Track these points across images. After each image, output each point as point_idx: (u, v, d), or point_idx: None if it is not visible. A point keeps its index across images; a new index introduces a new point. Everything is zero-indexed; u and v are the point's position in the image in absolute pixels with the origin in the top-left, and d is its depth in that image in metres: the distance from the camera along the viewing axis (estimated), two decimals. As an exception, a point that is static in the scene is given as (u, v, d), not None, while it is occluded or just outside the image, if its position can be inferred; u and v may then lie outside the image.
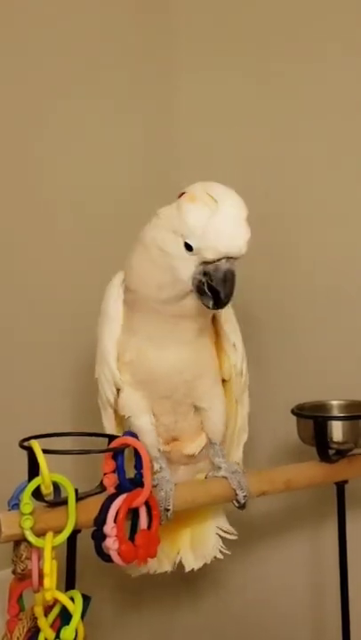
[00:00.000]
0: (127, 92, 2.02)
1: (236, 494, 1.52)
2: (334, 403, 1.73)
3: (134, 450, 1.35)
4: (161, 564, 1.64)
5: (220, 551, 1.65)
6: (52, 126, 1.87)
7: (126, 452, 1.36)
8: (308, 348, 1.90)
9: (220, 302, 1.35)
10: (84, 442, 1.43)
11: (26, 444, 1.31)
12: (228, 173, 2.03)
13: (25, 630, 1.29)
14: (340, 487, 1.69)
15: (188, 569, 1.64)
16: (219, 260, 1.33)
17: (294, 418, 1.68)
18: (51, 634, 1.27)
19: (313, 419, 1.64)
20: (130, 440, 1.36)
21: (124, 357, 1.50)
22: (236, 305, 1.51)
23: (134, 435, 1.39)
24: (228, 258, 1.33)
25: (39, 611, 1.27)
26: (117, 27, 2.00)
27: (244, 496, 1.52)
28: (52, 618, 1.29)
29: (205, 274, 1.34)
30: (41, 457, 1.27)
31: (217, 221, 1.31)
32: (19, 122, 1.81)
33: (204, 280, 1.35)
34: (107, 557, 1.31)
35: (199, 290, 1.36)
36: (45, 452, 1.27)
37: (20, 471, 1.30)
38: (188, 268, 1.36)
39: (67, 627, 1.26)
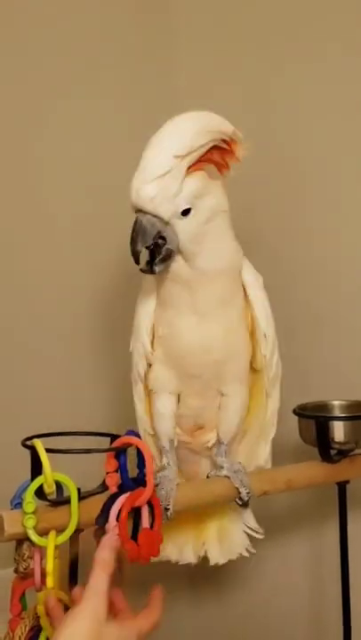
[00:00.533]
0: (127, 92, 2.02)
1: (240, 492, 1.52)
2: (336, 403, 1.73)
3: (137, 448, 1.35)
4: (184, 554, 1.64)
5: (247, 550, 1.66)
6: (51, 126, 1.86)
7: (130, 450, 1.35)
8: (309, 347, 1.90)
9: (132, 253, 1.37)
10: (86, 441, 1.43)
11: (28, 442, 1.30)
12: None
13: (27, 629, 1.29)
14: (342, 487, 1.68)
15: (212, 562, 1.64)
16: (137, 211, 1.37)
17: (296, 418, 1.68)
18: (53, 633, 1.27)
19: (315, 419, 1.64)
20: (132, 439, 1.35)
21: (157, 331, 1.50)
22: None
23: (137, 434, 1.39)
24: (140, 211, 1.36)
25: (41, 610, 1.27)
26: (117, 27, 2.00)
27: (247, 493, 1.52)
28: (55, 617, 1.28)
29: None
30: (44, 456, 1.26)
31: (135, 174, 1.35)
32: (19, 122, 1.81)
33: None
34: None
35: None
36: (48, 451, 1.27)
37: (22, 470, 1.30)
38: None
39: None
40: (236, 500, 1.53)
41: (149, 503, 1.34)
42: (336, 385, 1.79)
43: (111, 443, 1.38)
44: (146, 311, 1.51)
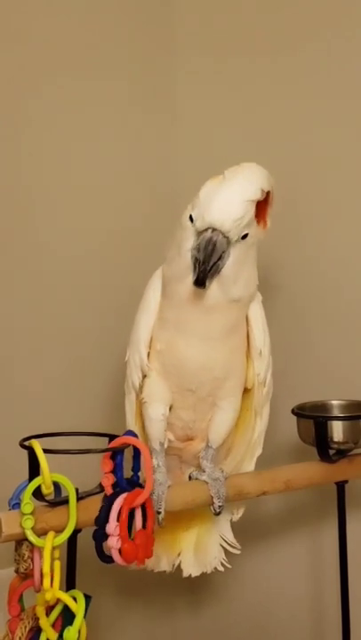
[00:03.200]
0: (128, 100, 2.02)
1: (213, 502, 1.52)
2: (335, 403, 1.74)
3: (133, 449, 1.35)
4: (159, 562, 1.63)
5: (222, 564, 1.65)
6: (53, 133, 1.86)
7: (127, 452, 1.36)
8: (308, 347, 1.90)
9: (196, 274, 1.38)
10: (84, 441, 1.43)
11: (26, 443, 1.30)
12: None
13: (27, 630, 1.29)
14: (341, 487, 1.69)
15: (185, 574, 1.64)
16: (206, 229, 1.38)
17: (295, 418, 1.68)
18: (53, 634, 1.27)
19: (313, 419, 1.64)
20: (131, 439, 1.36)
21: (155, 346, 1.52)
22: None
23: (135, 434, 1.39)
24: (214, 230, 1.37)
25: (41, 610, 1.27)
26: (118, 34, 2.00)
27: (220, 506, 1.52)
28: (54, 617, 1.28)
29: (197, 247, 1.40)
30: (42, 456, 1.27)
31: (214, 194, 1.39)
32: (19, 131, 1.80)
33: (195, 254, 1.40)
34: (107, 558, 1.30)
35: (194, 265, 1.40)
36: (46, 451, 1.27)
37: (20, 471, 1.30)
38: (189, 240, 1.41)
39: (70, 627, 1.26)
40: (210, 507, 1.53)
41: (142, 504, 1.35)
42: (335, 385, 1.79)
43: (109, 443, 1.38)
44: (146, 323, 1.52)
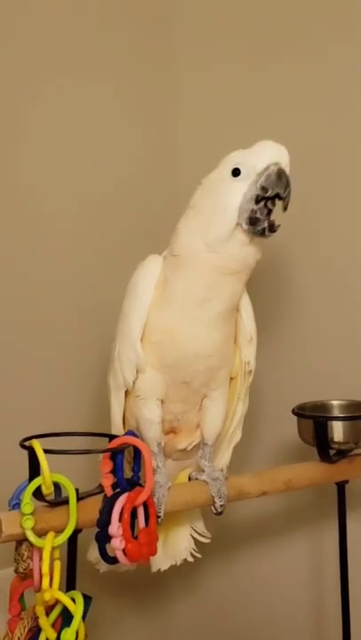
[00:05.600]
0: (129, 98, 2.02)
1: (214, 502, 1.51)
2: (335, 403, 1.73)
3: (133, 449, 1.35)
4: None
5: (192, 554, 1.65)
6: (52, 131, 1.86)
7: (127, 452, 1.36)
8: (308, 347, 1.90)
9: (264, 220, 1.38)
10: (84, 441, 1.43)
11: (26, 443, 1.30)
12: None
13: (26, 630, 1.29)
14: (341, 487, 1.69)
15: (154, 569, 1.63)
16: (267, 167, 1.38)
17: (295, 418, 1.68)
18: (52, 633, 1.27)
19: (314, 419, 1.64)
20: (131, 439, 1.35)
21: (151, 336, 1.47)
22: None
23: (135, 434, 1.39)
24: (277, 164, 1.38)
25: (40, 610, 1.27)
26: (118, 36, 2.00)
27: (222, 505, 1.51)
28: (54, 617, 1.28)
29: (257, 199, 1.38)
30: (42, 457, 1.26)
31: (261, 143, 1.40)
32: (18, 129, 1.80)
33: (255, 207, 1.38)
34: (110, 560, 1.30)
35: (251, 220, 1.38)
36: (46, 451, 1.27)
37: (20, 471, 1.30)
38: (235, 197, 1.39)
39: (67, 628, 1.25)
40: (211, 507, 1.52)
41: (144, 502, 1.35)
42: (335, 385, 1.79)
43: (109, 443, 1.38)
44: (138, 316, 1.47)
